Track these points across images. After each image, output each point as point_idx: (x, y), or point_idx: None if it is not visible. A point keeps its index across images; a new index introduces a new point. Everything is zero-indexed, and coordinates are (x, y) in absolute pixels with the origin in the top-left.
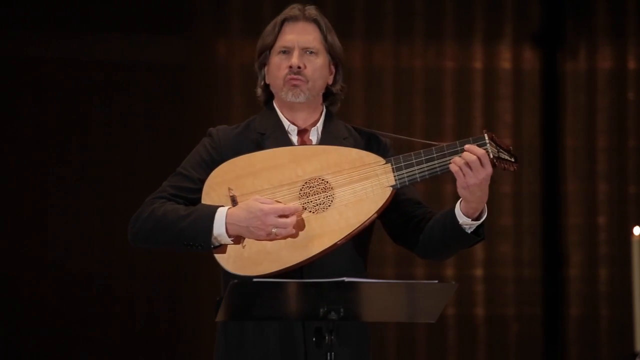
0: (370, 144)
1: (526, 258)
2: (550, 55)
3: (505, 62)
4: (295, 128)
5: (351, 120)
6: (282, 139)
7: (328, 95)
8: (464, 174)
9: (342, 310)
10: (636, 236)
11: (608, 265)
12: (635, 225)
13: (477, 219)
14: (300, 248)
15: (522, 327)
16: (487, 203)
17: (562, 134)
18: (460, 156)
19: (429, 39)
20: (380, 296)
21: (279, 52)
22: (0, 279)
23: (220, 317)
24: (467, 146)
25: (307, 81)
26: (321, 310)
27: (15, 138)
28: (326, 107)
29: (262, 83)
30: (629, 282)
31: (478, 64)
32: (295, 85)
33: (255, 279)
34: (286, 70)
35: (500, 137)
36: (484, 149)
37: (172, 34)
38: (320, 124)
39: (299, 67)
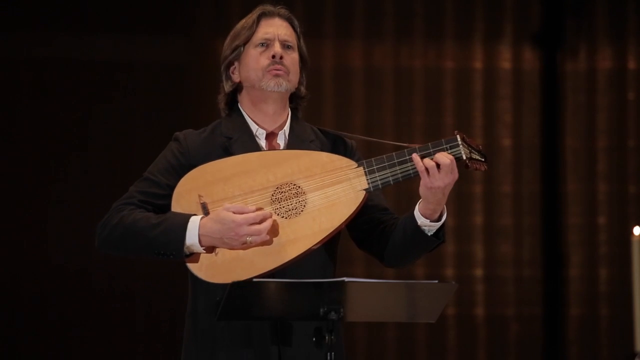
0: (336, 145)
1: (526, 258)
2: (550, 55)
3: (505, 62)
4: (264, 132)
5: (351, 120)
6: (250, 143)
7: (293, 98)
8: (430, 175)
9: (342, 310)
10: (636, 236)
11: (608, 265)
12: (635, 225)
13: (437, 220)
14: (273, 254)
15: (522, 327)
16: (488, 203)
17: (562, 134)
18: (432, 158)
19: (429, 39)
20: (380, 296)
21: (258, 45)
22: (0, 279)
23: (220, 317)
24: (441, 154)
25: (288, 72)
26: (321, 310)
27: (15, 138)
28: (291, 109)
29: (229, 83)
30: (629, 282)
31: (478, 64)
32: (277, 75)
33: (255, 279)
34: (267, 61)
35: (471, 136)
36: (457, 151)
37: (172, 34)
38: (287, 127)
39: (281, 57)
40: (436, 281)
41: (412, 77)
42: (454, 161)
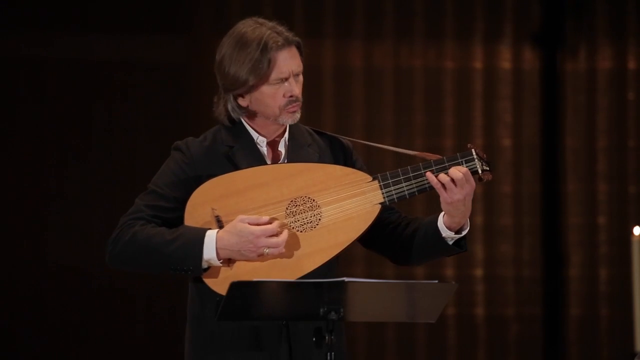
0: (333, 146)
1: (526, 258)
2: (550, 55)
3: (505, 62)
4: (264, 139)
5: (351, 120)
6: (253, 152)
7: None
8: (447, 190)
9: (342, 310)
10: (636, 236)
11: (608, 265)
12: (635, 225)
13: (459, 231)
14: (290, 267)
15: (522, 327)
16: (488, 203)
17: (562, 134)
18: (446, 173)
19: (429, 39)
20: (380, 296)
21: (273, 83)
22: (0, 279)
23: (220, 317)
24: (453, 168)
25: (301, 102)
26: (321, 310)
27: (15, 138)
28: None
29: (239, 109)
30: (629, 282)
31: (478, 64)
32: (294, 112)
33: (255, 279)
34: (284, 100)
35: (480, 148)
36: (472, 165)
37: (172, 34)
38: (287, 134)
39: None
40: (436, 281)
41: (412, 77)
42: (468, 172)
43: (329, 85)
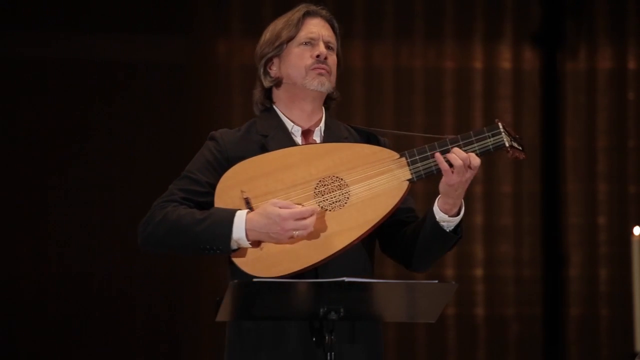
0: (369, 143)
1: (526, 258)
2: (550, 55)
3: (505, 62)
4: (299, 129)
5: (351, 120)
6: (286, 140)
7: (325, 99)
8: (455, 173)
9: (342, 310)
10: (636, 236)
11: (608, 265)
12: (635, 225)
13: (456, 215)
14: (319, 247)
15: (522, 327)
16: (488, 203)
17: (562, 134)
18: (458, 156)
19: (429, 39)
20: (380, 296)
21: (302, 44)
22: (0, 279)
23: (220, 317)
24: (457, 151)
25: (330, 72)
26: (321, 310)
27: (15, 138)
28: (325, 109)
29: (269, 78)
30: (629, 282)
31: (478, 64)
32: (321, 74)
33: (255, 279)
34: (311, 60)
35: (510, 125)
36: (499, 138)
37: (172, 34)
38: (322, 124)
39: (325, 57)
40: (436, 281)
41: (412, 77)
42: (476, 161)
43: None
